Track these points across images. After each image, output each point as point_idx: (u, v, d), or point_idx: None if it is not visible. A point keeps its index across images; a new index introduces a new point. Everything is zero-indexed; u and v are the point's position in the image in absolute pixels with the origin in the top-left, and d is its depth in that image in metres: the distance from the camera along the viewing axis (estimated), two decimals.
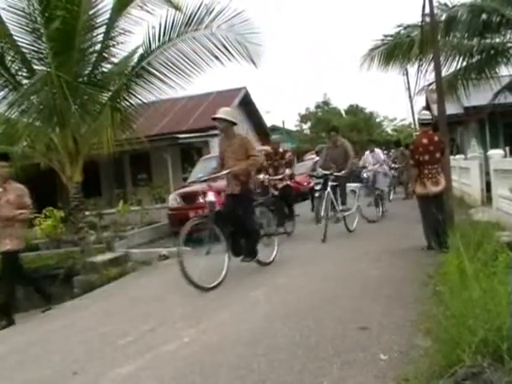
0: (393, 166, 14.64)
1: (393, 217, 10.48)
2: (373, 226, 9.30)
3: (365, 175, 11.05)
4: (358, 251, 6.80)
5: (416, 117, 22.67)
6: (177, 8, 8.90)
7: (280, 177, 8.95)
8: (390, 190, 13.92)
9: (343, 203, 8.74)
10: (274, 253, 6.62)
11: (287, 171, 9.05)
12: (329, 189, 8.35)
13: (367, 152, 12.36)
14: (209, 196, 5.79)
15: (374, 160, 11.61)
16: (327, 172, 8.63)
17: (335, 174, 8.51)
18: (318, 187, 9.88)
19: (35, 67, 8.98)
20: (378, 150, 12.39)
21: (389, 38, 11.58)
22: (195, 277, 5.17)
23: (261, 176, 8.91)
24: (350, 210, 8.82)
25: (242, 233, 6.02)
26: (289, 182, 9.16)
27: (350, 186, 9.04)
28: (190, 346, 3.71)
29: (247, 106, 21.89)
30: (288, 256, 6.79)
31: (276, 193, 8.88)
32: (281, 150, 9.31)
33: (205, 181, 5.99)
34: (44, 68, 8.75)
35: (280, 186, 8.93)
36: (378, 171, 11.13)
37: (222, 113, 6.04)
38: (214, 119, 6.11)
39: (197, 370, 3.21)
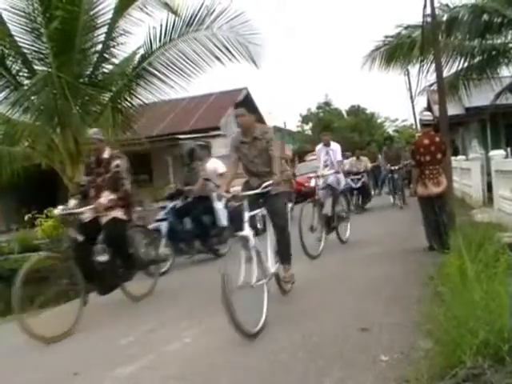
0: (391, 168, 13.49)
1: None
2: (372, 228, 9.25)
3: (329, 180, 7.30)
4: (357, 254, 6.79)
5: (417, 117, 22.67)
6: (174, 12, 8.93)
7: (86, 208, 4.91)
8: (393, 193, 12.35)
9: (285, 256, 4.58)
10: None
11: (103, 198, 4.94)
12: (246, 227, 3.98)
13: (319, 146, 8.01)
14: None
15: (327, 158, 7.73)
16: (231, 193, 4.43)
17: (253, 191, 4.26)
18: (162, 214, 7.41)
19: (36, 68, 9.03)
20: (335, 146, 7.82)
21: (390, 39, 11.62)
22: None
23: (59, 209, 4.83)
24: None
25: None
26: (119, 215, 5.07)
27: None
28: (191, 346, 3.71)
29: (248, 106, 21.83)
30: None
31: (80, 238, 4.79)
32: (106, 155, 5.23)
33: None
34: (45, 68, 8.79)
35: (104, 220, 5.01)
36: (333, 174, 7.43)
37: None
38: None
39: (199, 371, 3.21)
